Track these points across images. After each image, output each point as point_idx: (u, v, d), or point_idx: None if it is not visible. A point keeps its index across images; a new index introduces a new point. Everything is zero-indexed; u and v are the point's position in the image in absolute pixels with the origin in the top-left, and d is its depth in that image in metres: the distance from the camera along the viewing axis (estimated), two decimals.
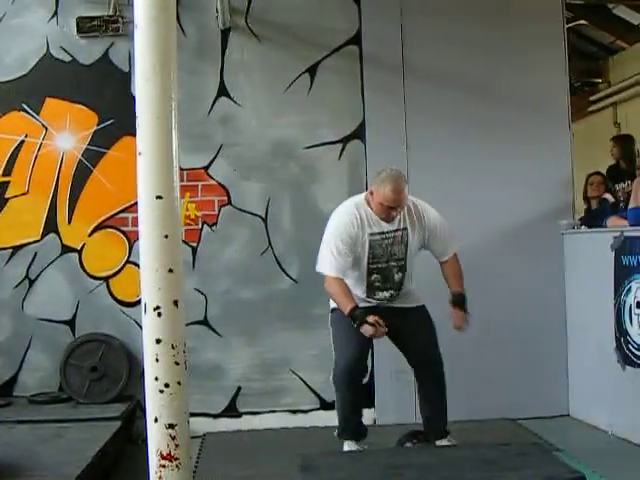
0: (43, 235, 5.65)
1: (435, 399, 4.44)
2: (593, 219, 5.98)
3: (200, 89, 5.75)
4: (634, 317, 4.85)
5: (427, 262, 5.50)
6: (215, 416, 5.67)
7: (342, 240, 4.20)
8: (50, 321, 5.63)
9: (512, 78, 5.85)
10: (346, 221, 4.20)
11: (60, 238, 5.67)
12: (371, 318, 4.15)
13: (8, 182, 5.67)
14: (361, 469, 3.50)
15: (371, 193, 4.27)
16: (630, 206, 5.27)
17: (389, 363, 5.38)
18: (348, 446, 4.44)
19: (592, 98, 11.26)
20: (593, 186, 6.42)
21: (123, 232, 5.67)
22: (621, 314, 4.98)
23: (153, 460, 2.63)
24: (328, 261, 4.25)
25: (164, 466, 2.61)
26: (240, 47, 5.79)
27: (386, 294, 4.44)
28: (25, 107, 5.68)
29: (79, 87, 5.71)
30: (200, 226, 5.74)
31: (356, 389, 4.39)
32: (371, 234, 4.28)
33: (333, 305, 4.47)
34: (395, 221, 4.32)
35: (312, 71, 5.81)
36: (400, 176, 4.28)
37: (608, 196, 6.35)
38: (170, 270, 2.63)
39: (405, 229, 4.36)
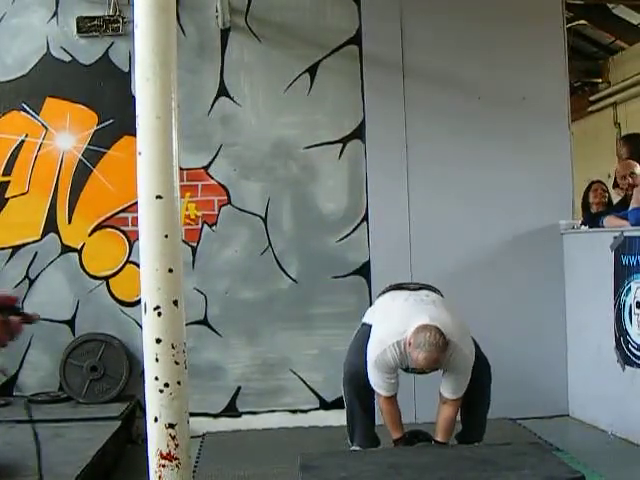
0: (43, 235, 5.66)
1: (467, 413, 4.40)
2: None
3: (200, 89, 5.75)
4: (634, 317, 4.85)
5: (434, 255, 5.53)
6: (215, 416, 5.67)
7: (387, 371, 4.22)
8: (50, 321, 5.61)
9: (512, 78, 5.86)
10: (388, 358, 4.18)
11: (60, 238, 5.67)
12: None
13: (8, 182, 5.68)
14: (361, 469, 3.50)
15: (409, 343, 4.09)
16: (632, 206, 5.26)
17: None
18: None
19: (592, 98, 11.27)
20: (598, 192, 6.48)
21: (123, 232, 5.68)
22: (621, 314, 4.98)
23: (153, 460, 2.63)
24: (378, 385, 4.26)
25: (164, 466, 2.61)
26: (240, 47, 5.79)
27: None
28: (25, 107, 5.68)
29: (79, 87, 5.72)
30: (200, 226, 5.74)
31: (364, 390, 4.35)
32: (406, 368, 4.29)
33: (365, 320, 4.50)
34: None
35: (312, 71, 5.81)
36: (436, 347, 3.97)
37: None
38: (170, 270, 2.63)
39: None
